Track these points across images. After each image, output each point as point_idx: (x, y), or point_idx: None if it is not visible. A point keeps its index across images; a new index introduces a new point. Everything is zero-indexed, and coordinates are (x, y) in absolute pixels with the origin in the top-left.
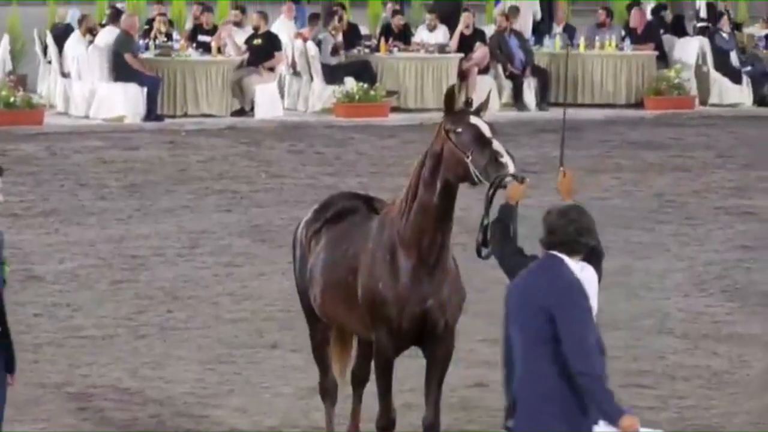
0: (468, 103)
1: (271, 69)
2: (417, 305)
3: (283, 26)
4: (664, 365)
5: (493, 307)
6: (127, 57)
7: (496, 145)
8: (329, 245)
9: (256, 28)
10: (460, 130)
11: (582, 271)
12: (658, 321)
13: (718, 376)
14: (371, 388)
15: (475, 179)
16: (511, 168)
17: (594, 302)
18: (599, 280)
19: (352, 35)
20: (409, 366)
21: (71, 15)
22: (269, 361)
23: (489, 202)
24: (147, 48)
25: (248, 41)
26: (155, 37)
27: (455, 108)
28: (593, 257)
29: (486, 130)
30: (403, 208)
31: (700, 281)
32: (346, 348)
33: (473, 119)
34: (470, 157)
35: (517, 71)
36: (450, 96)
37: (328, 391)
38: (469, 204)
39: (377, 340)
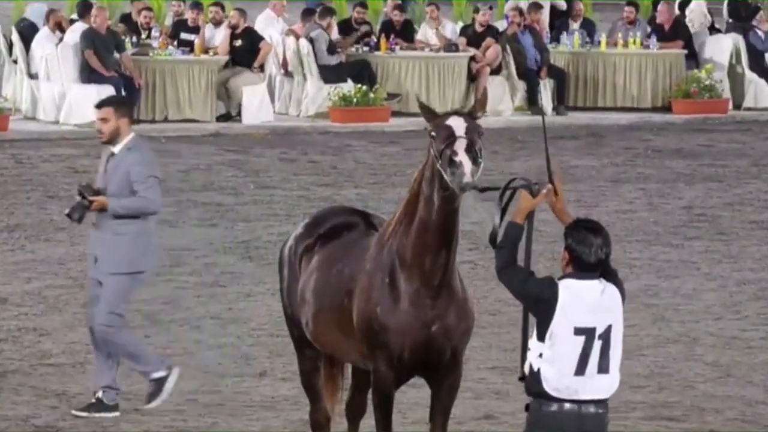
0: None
1: (261, 68)
2: (420, 332)
3: (268, 22)
4: (693, 395)
5: (505, 331)
6: (87, 54)
7: (458, 144)
8: (323, 264)
9: (234, 27)
10: (434, 133)
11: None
12: (686, 346)
13: (753, 407)
14: (369, 420)
15: (447, 185)
16: (467, 169)
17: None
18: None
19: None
20: (413, 396)
21: (31, 10)
22: (257, 391)
23: (502, 207)
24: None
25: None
26: (137, 33)
27: (435, 112)
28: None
29: (458, 129)
30: (403, 225)
31: (733, 303)
32: (335, 380)
33: (452, 119)
34: (440, 161)
35: (531, 70)
36: (423, 105)
37: (319, 424)
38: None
39: (376, 371)
